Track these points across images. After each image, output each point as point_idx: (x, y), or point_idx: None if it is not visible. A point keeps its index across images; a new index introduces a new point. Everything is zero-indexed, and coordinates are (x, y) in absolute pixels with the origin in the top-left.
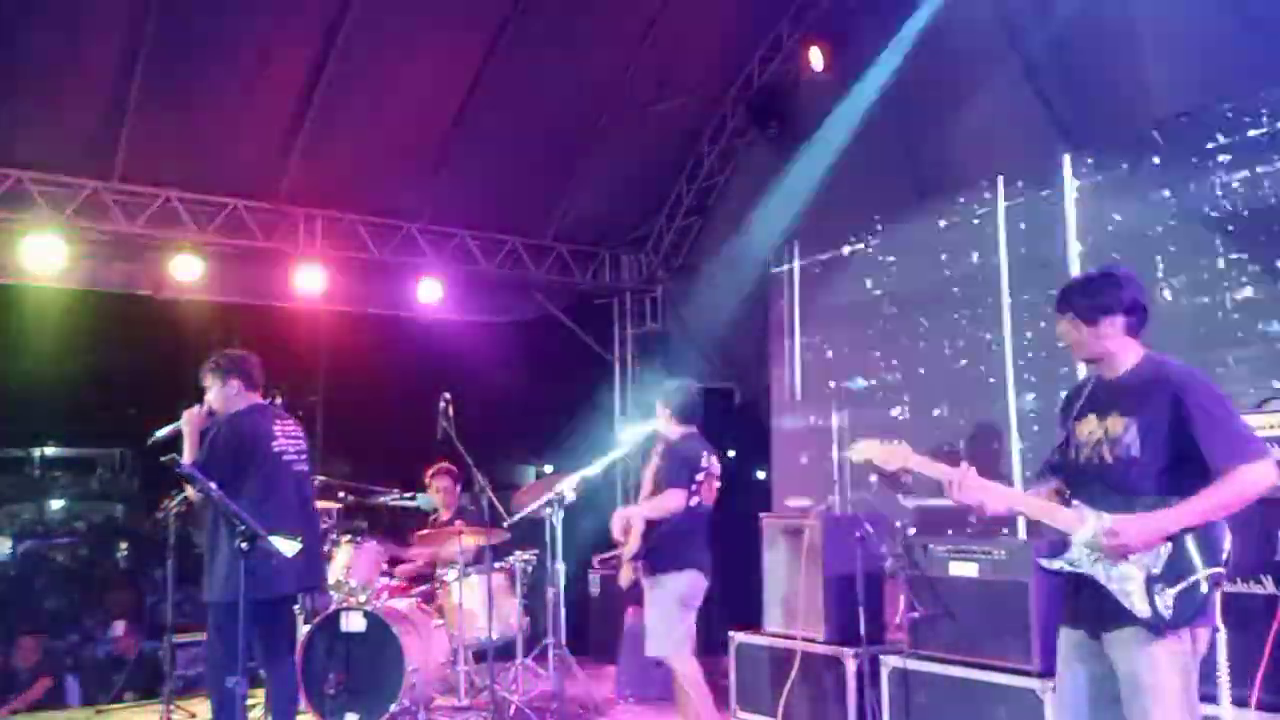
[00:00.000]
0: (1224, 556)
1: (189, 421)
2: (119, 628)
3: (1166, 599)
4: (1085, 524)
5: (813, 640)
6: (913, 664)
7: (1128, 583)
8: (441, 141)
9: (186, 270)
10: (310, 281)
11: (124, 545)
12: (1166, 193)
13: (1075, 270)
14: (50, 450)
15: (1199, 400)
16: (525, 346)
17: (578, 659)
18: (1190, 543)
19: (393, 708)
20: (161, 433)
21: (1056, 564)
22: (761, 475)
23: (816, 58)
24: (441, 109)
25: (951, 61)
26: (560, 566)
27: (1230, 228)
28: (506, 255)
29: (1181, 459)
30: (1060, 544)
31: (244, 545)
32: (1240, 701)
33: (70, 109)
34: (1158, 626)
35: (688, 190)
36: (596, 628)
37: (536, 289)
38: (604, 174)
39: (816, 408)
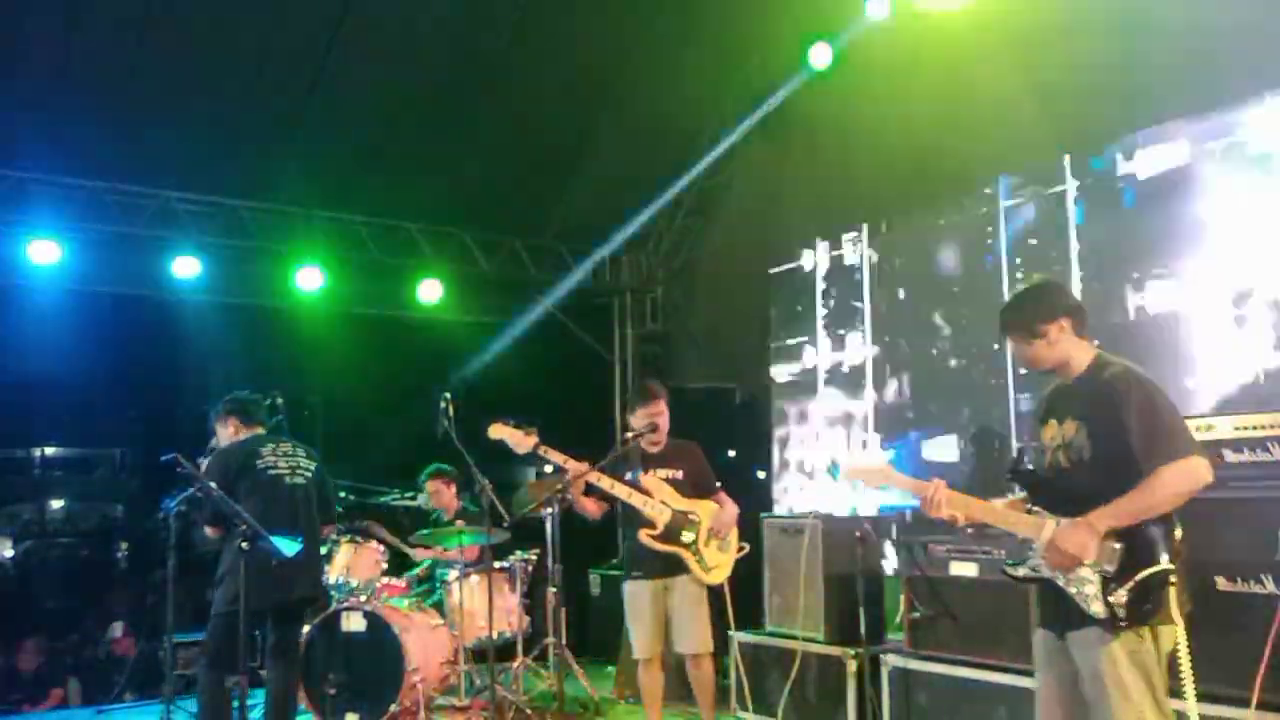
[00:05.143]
0: (1173, 552)
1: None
2: (119, 628)
3: (1120, 598)
4: (1045, 530)
5: (813, 640)
6: (913, 664)
7: (1085, 585)
8: (441, 141)
9: (186, 270)
10: (310, 282)
11: (124, 545)
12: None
13: (1075, 270)
14: (50, 450)
15: (1133, 401)
16: (525, 346)
17: (578, 659)
18: (1140, 541)
19: (393, 708)
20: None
21: (1020, 570)
22: (762, 475)
23: (818, 57)
24: (441, 109)
25: (952, 60)
26: (560, 566)
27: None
28: (507, 255)
29: (1131, 460)
30: (1027, 549)
31: (244, 545)
32: (1240, 701)
33: (70, 109)
34: (1114, 625)
35: (688, 190)
36: (596, 628)
37: (536, 289)
38: (604, 174)
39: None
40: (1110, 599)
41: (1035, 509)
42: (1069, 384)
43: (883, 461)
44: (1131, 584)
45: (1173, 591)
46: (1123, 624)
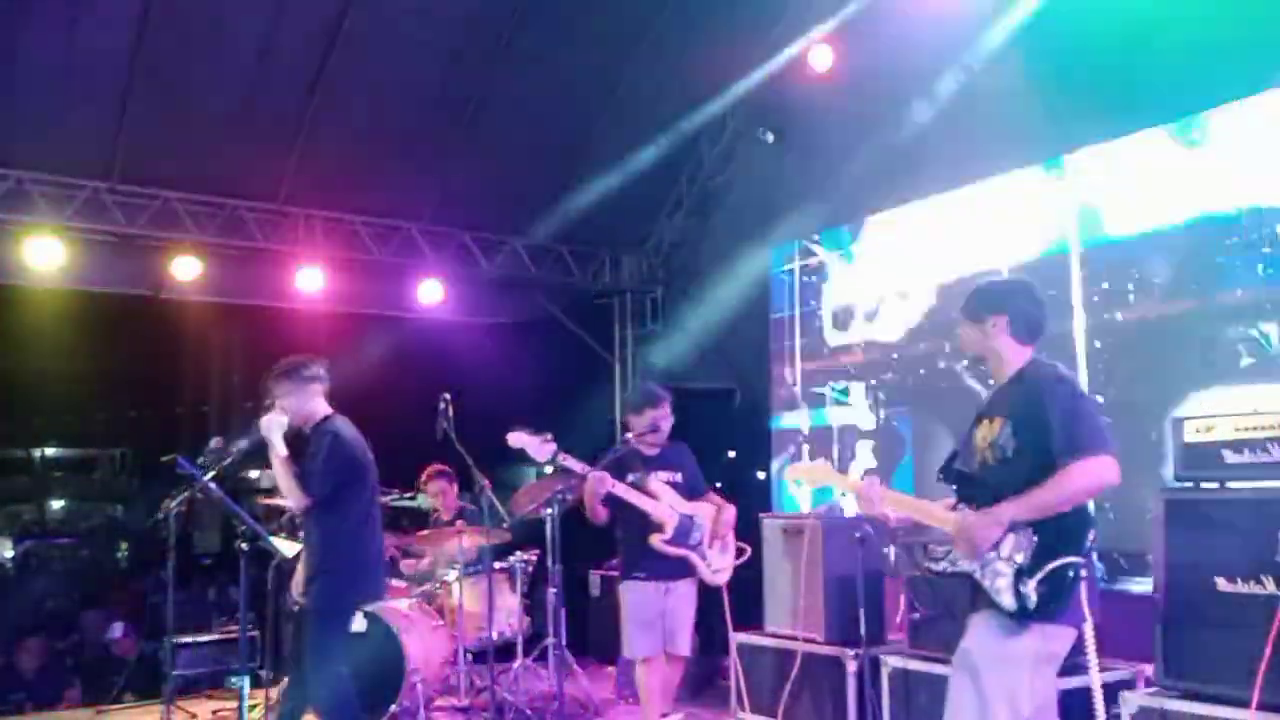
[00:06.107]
0: (1086, 545)
1: (274, 429)
2: (119, 628)
3: (1030, 588)
4: (958, 520)
5: (813, 640)
6: (913, 664)
7: (998, 578)
8: (441, 141)
9: (186, 271)
10: (310, 283)
11: (124, 545)
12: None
13: (1075, 271)
14: (50, 450)
15: (1056, 399)
16: (525, 347)
17: (578, 659)
18: (1054, 534)
19: (393, 708)
20: (241, 445)
21: (940, 564)
22: (762, 475)
23: (818, 58)
24: (441, 109)
25: (950, 61)
26: (560, 567)
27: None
28: (507, 255)
29: (1053, 458)
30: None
31: (244, 546)
32: (1240, 702)
33: (70, 109)
34: (1021, 617)
35: (688, 190)
36: (596, 628)
37: (537, 289)
38: (604, 174)
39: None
40: (1021, 590)
41: (962, 506)
42: (1001, 386)
43: (823, 463)
44: (1042, 574)
45: (1083, 586)
46: (1029, 616)
